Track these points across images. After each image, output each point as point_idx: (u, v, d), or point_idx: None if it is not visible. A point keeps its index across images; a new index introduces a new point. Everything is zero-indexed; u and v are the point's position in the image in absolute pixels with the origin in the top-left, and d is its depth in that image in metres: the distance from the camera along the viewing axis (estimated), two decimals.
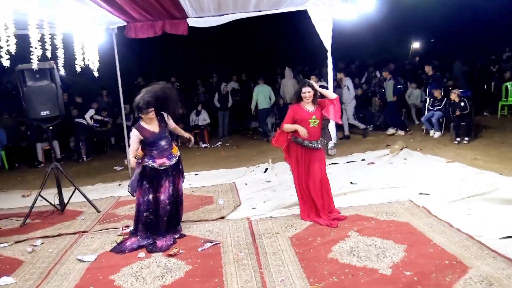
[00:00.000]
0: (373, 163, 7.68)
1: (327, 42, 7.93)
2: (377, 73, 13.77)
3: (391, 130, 10.48)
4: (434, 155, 7.81)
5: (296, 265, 3.87)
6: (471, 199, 5.18)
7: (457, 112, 8.84)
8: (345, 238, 4.37)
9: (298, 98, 4.96)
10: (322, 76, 12.68)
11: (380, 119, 11.58)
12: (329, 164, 7.68)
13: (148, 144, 4.73)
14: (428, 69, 11.17)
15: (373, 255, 3.92)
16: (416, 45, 17.77)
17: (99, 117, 11.45)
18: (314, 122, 4.89)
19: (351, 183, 6.43)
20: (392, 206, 5.21)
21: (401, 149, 8.25)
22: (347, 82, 10.32)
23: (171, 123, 4.94)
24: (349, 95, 10.25)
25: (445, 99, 9.96)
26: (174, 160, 4.84)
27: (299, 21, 9.62)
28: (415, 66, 14.91)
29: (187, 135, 5.35)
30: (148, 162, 4.72)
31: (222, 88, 12.72)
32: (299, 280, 3.58)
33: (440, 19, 15.27)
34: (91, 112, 11.31)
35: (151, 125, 4.73)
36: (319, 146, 4.97)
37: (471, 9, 14.26)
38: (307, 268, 3.80)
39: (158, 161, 4.73)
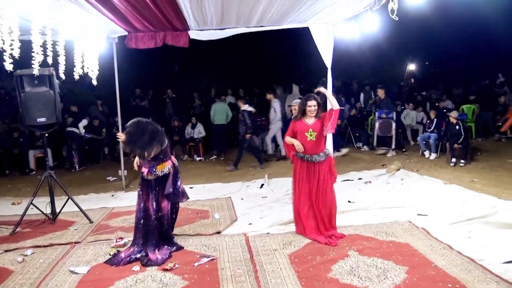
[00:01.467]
0: (370, 182, 7.64)
1: (328, 60, 7.95)
2: (372, 94, 13.88)
3: (381, 151, 10.58)
4: (431, 176, 7.80)
5: (296, 284, 3.79)
6: (471, 221, 5.14)
7: (456, 146, 8.86)
8: (345, 258, 4.30)
9: (303, 112, 4.93)
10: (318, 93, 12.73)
11: (375, 138, 11.57)
12: None
13: None
14: (381, 93, 11.33)
15: (374, 275, 3.85)
16: (411, 67, 17.98)
17: (88, 135, 11.30)
18: (311, 135, 4.86)
19: (349, 201, 6.38)
20: (391, 226, 5.15)
21: (398, 169, 8.25)
22: (275, 104, 10.59)
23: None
24: (275, 116, 10.55)
25: (435, 120, 10.03)
26: (156, 175, 4.72)
27: (298, 38, 9.66)
28: (411, 88, 15.07)
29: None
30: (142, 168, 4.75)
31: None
32: None
33: (437, 43, 15.51)
34: (84, 122, 11.20)
35: None
36: (319, 159, 4.91)
37: (468, 33, 14.46)
38: (307, 287, 3.71)
39: (143, 169, 4.75)
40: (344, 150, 10.60)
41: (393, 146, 10.57)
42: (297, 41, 10.87)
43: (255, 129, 10.48)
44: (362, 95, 14.00)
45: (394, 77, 16.81)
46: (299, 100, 5.50)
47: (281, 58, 16.09)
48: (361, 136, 11.78)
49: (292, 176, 5.11)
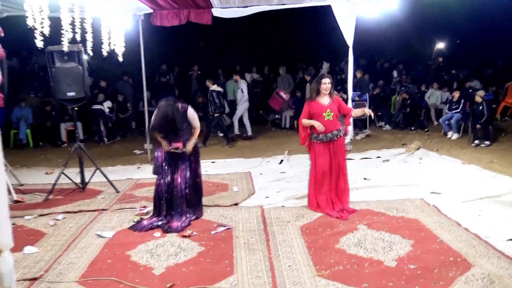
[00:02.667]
0: (388, 160, 7.74)
1: (349, 39, 7.98)
2: (394, 73, 13.77)
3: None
4: (450, 156, 7.84)
5: (304, 253, 4.01)
6: (483, 200, 5.24)
7: (477, 126, 8.79)
8: (353, 231, 4.48)
9: (317, 90, 5.07)
10: (342, 71, 12.77)
11: (398, 117, 11.57)
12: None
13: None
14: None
15: (379, 248, 4.03)
16: (440, 45, 17.58)
17: (112, 115, 11.67)
18: (328, 115, 5.00)
19: (365, 179, 6.52)
20: (403, 203, 5.29)
21: (418, 149, 8.30)
22: (242, 85, 10.88)
23: (192, 119, 5.08)
24: (242, 96, 10.80)
25: (462, 101, 9.93)
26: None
27: (321, 16, 9.67)
28: (438, 67, 14.82)
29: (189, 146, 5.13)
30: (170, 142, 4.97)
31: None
32: (306, 267, 3.72)
33: (466, 20, 15.07)
34: (108, 103, 11.54)
35: None
36: (336, 136, 5.07)
37: (496, 10, 13.99)
38: (314, 256, 3.93)
39: (174, 145, 4.96)
40: (363, 134, 10.54)
41: (367, 129, 10.83)
42: (320, 18, 10.85)
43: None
44: (395, 73, 13.89)
45: (422, 55, 16.52)
46: None
47: (305, 35, 16.02)
48: (383, 115, 11.78)
49: (311, 154, 5.27)
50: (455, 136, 9.62)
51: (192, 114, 5.10)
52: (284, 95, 11.85)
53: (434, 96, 11.75)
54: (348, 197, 5.24)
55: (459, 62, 15.31)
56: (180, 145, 4.97)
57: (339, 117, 5.16)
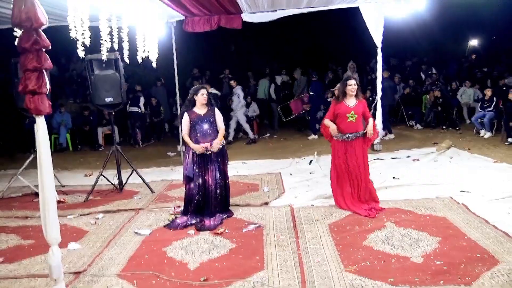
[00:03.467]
0: (417, 160, 7.74)
1: (378, 39, 8.03)
2: (433, 70, 13.57)
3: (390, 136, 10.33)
4: (482, 155, 7.77)
5: (332, 249, 4.14)
6: None
7: (511, 124, 8.68)
8: (381, 228, 4.58)
9: (343, 92, 5.19)
10: (372, 71, 12.74)
11: (429, 116, 11.48)
12: (374, 159, 7.85)
13: (192, 126, 5.19)
14: (385, 74, 11.03)
15: (406, 244, 4.12)
16: (473, 42, 17.25)
17: (147, 111, 12.03)
18: (351, 116, 5.12)
19: (394, 178, 6.58)
20: (431, 201, 5.34)
21: (448, 148, 8.26)
22: (238, 90, 10.97)
23: (218, 119, 5.32)
24: (238, 102, 10.93)
25: (494, 99, 9.78)
26: (220, 146, 5.23)
27: (350, 17, 9.71)
28: (471, 64, 14.56)
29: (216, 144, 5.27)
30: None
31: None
32: (334, 262, 3.86)
33: (500, 16, 14.73)
34: (142, 100, 11.93)
35: (200, 110, 5.24)
36: (356, 137, 5.18)
37: None
38: (342, 252, 4.06)
39: (203, 145, 5.12)
40: (390, 136, 10.34)
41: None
42: (349, 19, 10.88)
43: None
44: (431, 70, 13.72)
45: (456, 53, 16.24)
46: None
47: (333, 36, 16.05)
48: (414, 114, 11.71)
49: (331, 153, 5.41)
50: (487, 134, 9.49)
51: (218, 114, 5.33)
52: (306, 102, 12.12)
53: (466, 94, 11.59)
54: (375, 195, 5.33)
55: (492, 59, 14.98)
56: (208, 145, 5.17)
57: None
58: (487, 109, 9.80)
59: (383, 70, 8.80)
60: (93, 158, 10.15)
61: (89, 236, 4.97)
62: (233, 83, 11.33)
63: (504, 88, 10.53)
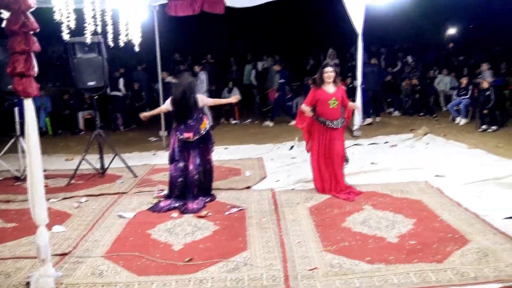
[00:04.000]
0: (395, 145, 7.97)
1: (359, 26, 8.16)
2: (409, 58, 13.79)
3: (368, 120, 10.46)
4: (457, 141, 8.04)
5: (312, 231, 4.30)
6: (485, 182, 5.46)
7: (484, 112, 8.95)
8: (359, 211, 4.76)
9: (320, 79, 5.30)
10: (352, 57, 12.90)
11: (407, 103, 11.73)
12: (353, 145, 8.04)
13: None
14: (373, 60, 11.36)
15: (383, 226, 4.30)
16: (451, 31, 17.55)
17: (129, 93, 11.91)
18: (333, 103, 5.24)
19: (372, 163, 6.76)
20: (407, 185, 5.54)
21: (425, 134, 8.50)
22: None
23: (205, 102, 5.47)
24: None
25: (470, 87, 10.06)
26: (200, 134, 5.30)
27: (332, 4, 9.80)
28: (448, 53, 14.85)
29: (233, 99, 5.99)
30: (178, 135, 5.30)
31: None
32: (314, 243, 4.01)
33: (478, 5, 15.00)
34: (121, 81, 11.84)
35: None
36: (339, 126, 5.32)
37: None
38: (322, 233, 4.22)
39: (186, 135, 5.25)
40: (369, 120, 10.53)
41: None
42: (331, 5, 10.97)
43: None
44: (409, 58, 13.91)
45: (435, 41, 16.49)
46: None
47: (315, 23, 16.13)
48: (393, 101, 11.95)
49: (310, 140, 5.55)
50: (463, 121, 9.79)
51: (201, 97, 5.42)
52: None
53: (443, 82, 11.86)
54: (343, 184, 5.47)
55: (469, 47, 15.29)
56: (190, 135, 5.25)
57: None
58: (463, 97, 10.07)
59: (364, 57, 8.94)
60: (73, 143, 10.09)
61: (73, 219, 5.01)
62: (196, 68, 11.29)
63: (480, 76, 10.82)
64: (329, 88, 5.30)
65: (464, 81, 10.18)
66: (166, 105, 5.42)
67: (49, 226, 4.52)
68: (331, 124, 5.29)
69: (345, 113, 5.35)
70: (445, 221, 4.33)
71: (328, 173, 5.41)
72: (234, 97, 5.96)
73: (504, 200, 4.83)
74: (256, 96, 13.01)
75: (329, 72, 5.24)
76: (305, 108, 5.36)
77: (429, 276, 3.28)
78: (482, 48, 14.96)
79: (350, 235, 4.14)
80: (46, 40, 13.92)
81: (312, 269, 3.48)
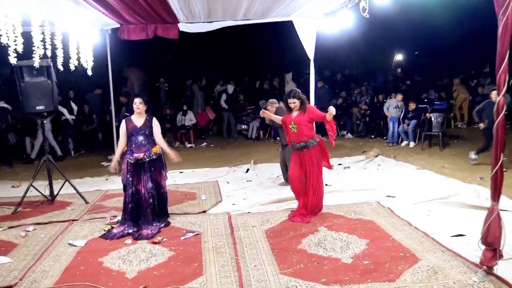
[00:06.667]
0: (348, 167, 8.17)
1: (310, 52, 8.39)
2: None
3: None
4: (406, 162, 8.34)
5: (269, 254, 4.30)
6: (433, 202, 5.69)
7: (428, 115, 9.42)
8: (315, 232, 4.82)
9: (287, 106, 5.44)
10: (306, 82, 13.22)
11: (359, 127, 12.11)
12: None
13: (128, 137, 5.28)
14: (319, 83, 11.92)
15: (338, 247, 4.37)
16: (399, 57, 18.39)
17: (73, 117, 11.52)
18: (293, 127, 5.38)
19: (326, 185, 6.85)
20: (360, 206, 5.68)
21: (376, 156, 8.78)
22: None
23: (156, 132, 5.39)
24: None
25: (417, 111, 10.50)
26: (151, 157, 5.26)
27: (285, 30, 10.06)
28: (397, 78, 15.50)
29: (171, 154, 5.45)
30: (128, 157, 5.24)
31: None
32: (270, 266, 4.01)
33: (424, 33, 15.85)
34: (72, 105, 11.46)
35: (137, 120, 5.30)
36: (303, 148, 5.36)
37: (454, 23, 14.76)
38: (278, 256, 4.23)
39: (135, 155, 5.20)
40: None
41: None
42: (284, 32, 11.25)
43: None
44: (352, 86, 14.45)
45: (384, 66, 17.20)
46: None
47: (270, 48, 16.45)
48: (346, 124, 12.30)
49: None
50: (411, 144, 10.16)
51: (156, 123, 5.39)
52: (210, 114, 13.12)
53: (392, 106, 12.31)
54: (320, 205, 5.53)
55: (415, 73, 16.04)
56: (141, 155, 5.20)
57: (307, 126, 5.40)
58: (411, 119, 10.42)
59: (316, 81, 9.18)
60: (20, 169, 9.65)
61: (20, 249, 4.76)
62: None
63: (426, 100, 11.36)
64: (294, 113, 5.44)
65: (413, 106, 10.51)
66: (122, 137, 5.34)
67: None
68: (295, 145, 5.40)
69: (327, 126, 5.35)
70: (396, 240, 4.45)
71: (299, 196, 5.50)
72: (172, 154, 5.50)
73: (450, 218, 5.04)
74: (225, 119, 13.17)
75: (292, 103, 5.40)
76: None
77: None
78: (426, 74, 15.72)
79: (306, 257, 4.17)
80: None
81: None
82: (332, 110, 5.24)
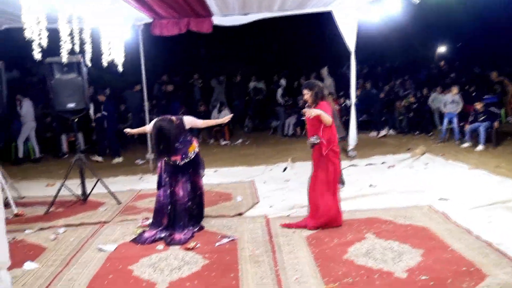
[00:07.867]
0: (393, 166, 7.64)
1: (351, 44, 7.92)
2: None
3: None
4: (457, 161, 7.72)
5: (312, 265, 3.90)
6: (492, 206, 5.12)
7: (496, 124, 8.70)
8: (361, 240, 4.38)
9: None
10: (344, 76, 12.71)
11: (403, 122, 11.48)
12: (349, 166, 7.70)
13: None
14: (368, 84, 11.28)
15: (389, 258, 3.92)
16: (442, 49, 17.53)
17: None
18: (306, 121, 4.95)
19: (370, 185, 6.41)
20: (410, 210, 5.18)
21: (423, 154, 8.19)
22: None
23: (193, 124, 5.10)
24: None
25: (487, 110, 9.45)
26: (189, 158, 4.95)
27: (322, 22, 9.62)
28: (440, 70, 14.74)
29: (225, 119, 5.51)
30: (166, 158, 4.94)
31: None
32: (314, 279, 3.61)
33: (467, 24, 14.98)
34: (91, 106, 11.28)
35: None
36: (310, 146, 4.86)
37: (497, 14, 13.86)
38: (322, 267, 3.82)
39: (173, 158, 4.90)
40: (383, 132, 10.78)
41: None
42: (322, 24, 10.80)
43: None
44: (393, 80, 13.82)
45: (426, 58, 16.43)
46: None
47: (306, 41, 15.97)
48: (388, 120, 11.68)
49: None
50: (480, 147, 8.71)
51: (188, 120, 5.06)
52: None
53: (437, 100, 11.61)
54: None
55: (461, 66, 15.21)
56: (178, 158, 4.90)
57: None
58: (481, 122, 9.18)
59: (358, 76, 8.68)
60: (56, 167, 9.61)
61: (48, 253, 4.56)
62: (169, 87, 11.11)
63: (474, 94, 10.57)
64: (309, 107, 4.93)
65: (479, 106, 9.20)
66: (149, 128, 5.10)
67: (20, 263, 4.16)
68: (308, 141, 4.90)
69: (320, 133, 4.76)
70: (456, 251, 3.95)
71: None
72: (226, 117, 5.59)
73: None
74: (281, 115, 12.80)
75: (305, 94, 4.90)
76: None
77: None
78: (472, 67, 14.85)
79: (354, 269, 3.74)
80: (33, 61, 13.56)
81: None
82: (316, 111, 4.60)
